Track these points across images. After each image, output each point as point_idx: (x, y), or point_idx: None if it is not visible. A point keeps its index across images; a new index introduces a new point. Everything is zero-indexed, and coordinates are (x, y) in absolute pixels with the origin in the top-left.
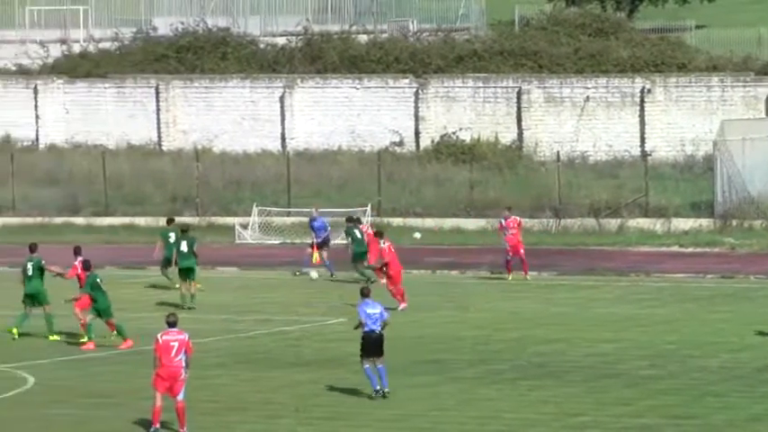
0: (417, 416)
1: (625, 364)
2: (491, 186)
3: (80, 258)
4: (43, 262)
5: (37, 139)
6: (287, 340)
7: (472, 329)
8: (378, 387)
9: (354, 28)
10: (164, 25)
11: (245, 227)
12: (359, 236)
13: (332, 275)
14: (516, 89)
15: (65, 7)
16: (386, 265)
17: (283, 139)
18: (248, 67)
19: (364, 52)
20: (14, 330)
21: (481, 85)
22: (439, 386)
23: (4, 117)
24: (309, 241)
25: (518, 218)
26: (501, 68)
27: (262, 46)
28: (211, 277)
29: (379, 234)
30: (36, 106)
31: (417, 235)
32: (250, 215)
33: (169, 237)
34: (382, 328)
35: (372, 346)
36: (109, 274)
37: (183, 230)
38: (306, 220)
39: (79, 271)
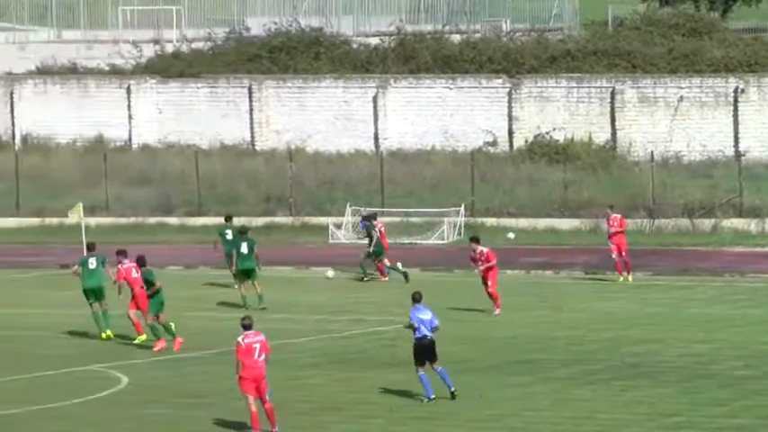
0: (510, 416)
1: (719, 365)
2: (585, 186)
3: (125, 261)
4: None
5: (130, 139)
6: (381, 340)
7: (566, 330)
8: (432, 395)
9: (447, 28)
10: (256, 25)
11: (338, 227)
12: (376, 234)
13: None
14: (610, 89)
15: (158, 7)
16: (488, 269)
17: (376, 138)
18: (341, 67)
19: (457, 52)
20: (107, 333)
21: (575, 84)
22: (532, 386)
23: (98, 117)
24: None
25: (619, 216)
26: (594, 68)
27: (355, 46)
28: (305, 278)
29: (475, 239)
30: (129, 106)
31: (511, 235)
32: (343, 215)
33: (226, 234)
34: (432, 332)
35: (425, 351)
36: (201, 274)
37: (242, 232)
38: (398, 220)
39: (124, 275)
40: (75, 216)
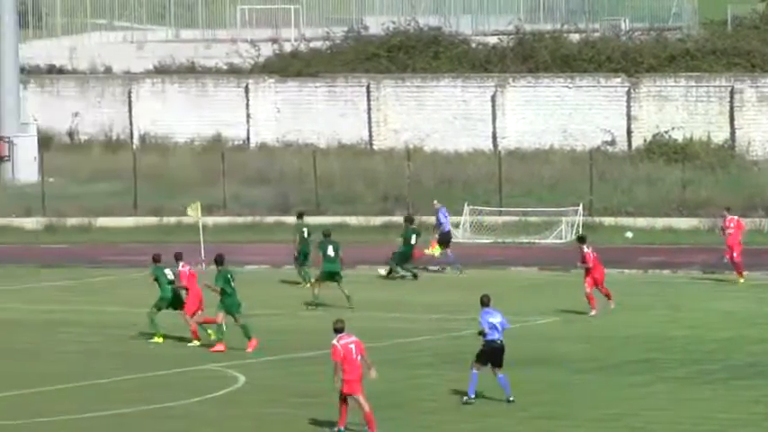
0: (630, 415)
1: None
2: (703, 186)
3: (183, 264)
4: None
5: (248, 138)
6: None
7: (684, 329)
8: (473, 396)
9: (566, 27)
10: (375, 24)
11: (456, 226)
12: (413, 238)
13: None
14: (729, 88)
15: (276, 6)
16: (588, 269)
17: (494, 138)
18: (459, 66)
19: (576, 51)
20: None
21: (693, 84)
22: (651, 386)
23: (215, 116)
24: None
25: (736, 218)
26: (713, 68)
27: (473, 45)
28: (423, 277)
29: (581, 239)
30: (247, 105)
31: (629, 234)
32: (461, 214)
33: (303, 231)
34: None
35: (492, 355)
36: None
37: (327, 234)
38: (516, 219)
39: (187, 275)
40: (194, 214)
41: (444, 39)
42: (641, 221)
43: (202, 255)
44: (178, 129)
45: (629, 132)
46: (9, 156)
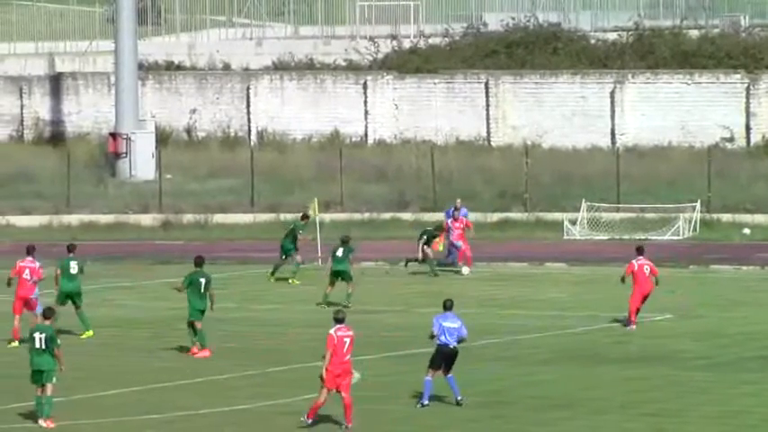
0: (744, 412)
1: None
2: None
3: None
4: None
5: (366, 134)
6: (613, 336)
7: None
8: (426, 402)
9: (685, 23)
10: (494, 21)
11: (573, 222)
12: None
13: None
14: None
15: (396, 2)
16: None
17: (613, 134)
18: (578, 62)
19: (695, 47)
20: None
21: None
22: (766, 383)
23: (334, 113)
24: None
25: None
26: None
27: (592, 41)
28: (540, 273)
29: (639, 250)
30: (365, 102)
31: (747, 231)
32: (578, 211)
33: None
34: (458, 343)
35: (444, 359)
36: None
37: (345, 241)
38: (634, 215)
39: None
40: (312, 212)
41: (563, 35)
42: (759, 218)
43: (319, 252)
44: (296, 125)
45: (747, 129)
46: (127, 152)
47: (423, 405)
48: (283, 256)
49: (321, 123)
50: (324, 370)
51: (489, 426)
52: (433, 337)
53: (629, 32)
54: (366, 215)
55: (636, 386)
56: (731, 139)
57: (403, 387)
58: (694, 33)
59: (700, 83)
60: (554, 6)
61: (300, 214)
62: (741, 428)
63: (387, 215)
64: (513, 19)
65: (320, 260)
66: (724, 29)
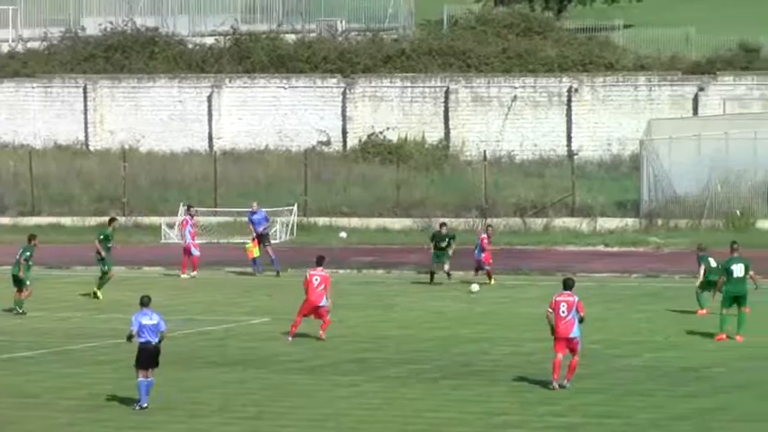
0: (343, 415)
1: (550, 363)
2: (417, 186)
3: None
4: None
5: None
6: (211, 339)
7: (397, 329)
8: (145, 404)
9: (282, 27)
10: (92, 25)
11: (171, 227)
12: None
13: (277, 274)
14: (444, 89)
15: None
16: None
17: (210, 138)
18: (176, 66)
19: (292, 52)
20: None
21: (409, 84)
22: (364, 385)
23: None
24: (247, 239)
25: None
26: (429, 68)
27: (190, 46)
28: (138, 277)
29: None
30: None
31: (343, 234)
32: (176, 215)
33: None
34: (160, 341)
35: (147, 358)
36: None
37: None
38: (231, 219)
39: None
40: None
41: (161, 39)
42: (355, 221)
43: None
44: None
45: (344, 133)
46: None
47: (141, 407)
48: None
49: None
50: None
51: (88, 430)
52: (131, 337)
53: (227, 37)
54: None
55: (235, 389)
56: (328, 143)
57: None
58: (291, 38)
59: (296, 87)
60: (152, 11)
61: None
62: (339, 431)
63: None
64: (112, 23)
65: None
66: (320, 33)
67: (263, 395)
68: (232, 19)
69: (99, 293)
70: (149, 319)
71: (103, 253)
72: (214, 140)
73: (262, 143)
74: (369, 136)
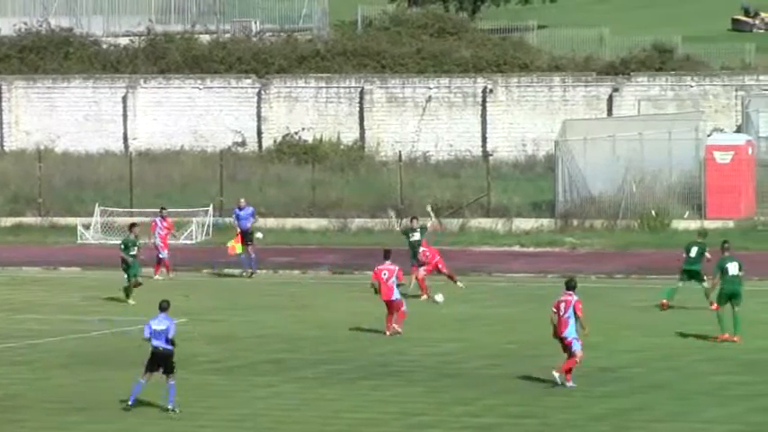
0: (260, 415)
1: (467, 364)
2: (333, 186)
3: None
4: None
5: None
6: (129, 341)
7: (314, 329)
8: (131, 402)
9: (197, 28)
10: (7, 26)
11: (87, 227)
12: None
13: (251, 274)
14: (359, 89)
15: None
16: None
17: (126, 139)
18: (91, 67)
19: (207, 52)
20: None
21: (323, 85)
22: (281, 386)
23: None
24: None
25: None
26: (343, 68)
27: (104, 46)
28: (54, 278)
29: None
30: None
31: (259, 235)
32: (92, 215)
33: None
34: (172, 345)
35: (155, 361)
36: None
37: None
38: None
39: None
40: None
41: (75, 39)
42: (271, 222)
43: None
44: None
45: (259, 133)
46: None
47: (126, 407)
48: None
49: None
50: None
51: (5, 430)
52: (148, 340)
53: (141, 37)
54: None
55: (153, 390)
56: (243, 144)
57: None
58: (206, 38)
59: (211, 87)
60: (66, 11)
61: None
62: (257, 431)
63: None
64: (26, 24)
65: None
66: (235, 34)
67: (181, 396)
68: (146, 19)
69: (130, 300)
70: (159, 324)
71: (129, 260)
72: (129, 141)
73: (177, 144)
74: (284, 136)
